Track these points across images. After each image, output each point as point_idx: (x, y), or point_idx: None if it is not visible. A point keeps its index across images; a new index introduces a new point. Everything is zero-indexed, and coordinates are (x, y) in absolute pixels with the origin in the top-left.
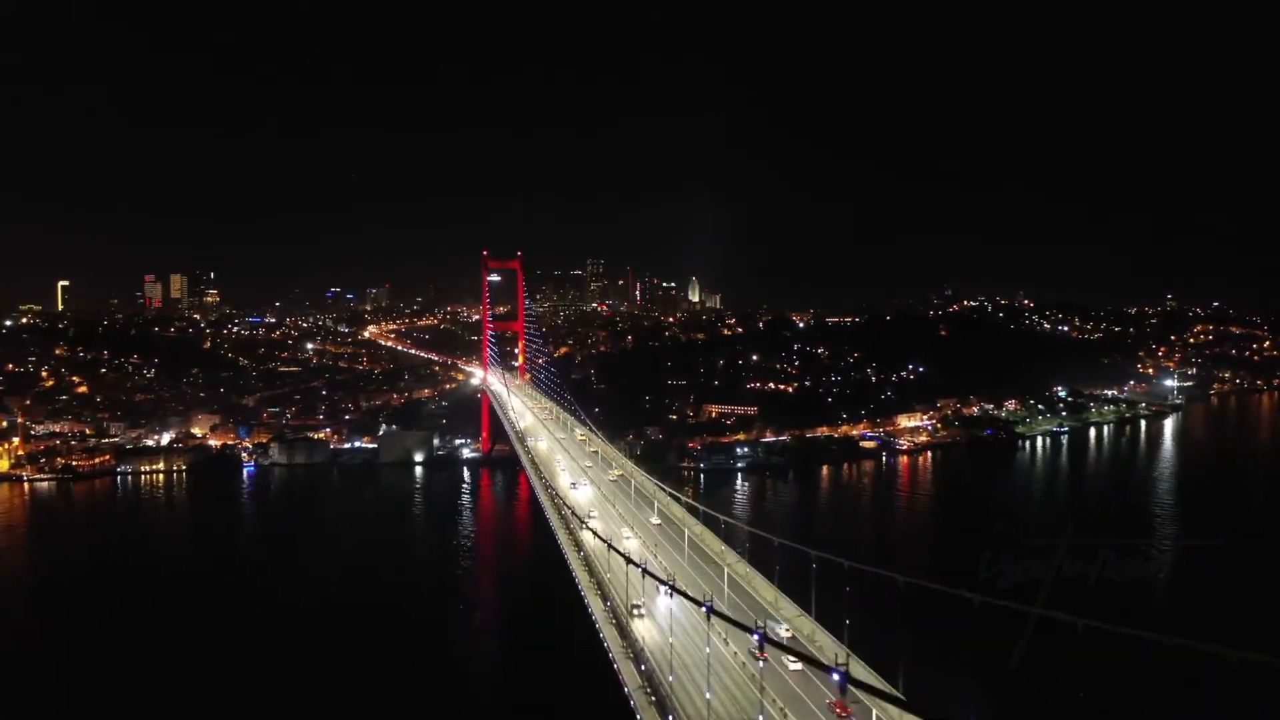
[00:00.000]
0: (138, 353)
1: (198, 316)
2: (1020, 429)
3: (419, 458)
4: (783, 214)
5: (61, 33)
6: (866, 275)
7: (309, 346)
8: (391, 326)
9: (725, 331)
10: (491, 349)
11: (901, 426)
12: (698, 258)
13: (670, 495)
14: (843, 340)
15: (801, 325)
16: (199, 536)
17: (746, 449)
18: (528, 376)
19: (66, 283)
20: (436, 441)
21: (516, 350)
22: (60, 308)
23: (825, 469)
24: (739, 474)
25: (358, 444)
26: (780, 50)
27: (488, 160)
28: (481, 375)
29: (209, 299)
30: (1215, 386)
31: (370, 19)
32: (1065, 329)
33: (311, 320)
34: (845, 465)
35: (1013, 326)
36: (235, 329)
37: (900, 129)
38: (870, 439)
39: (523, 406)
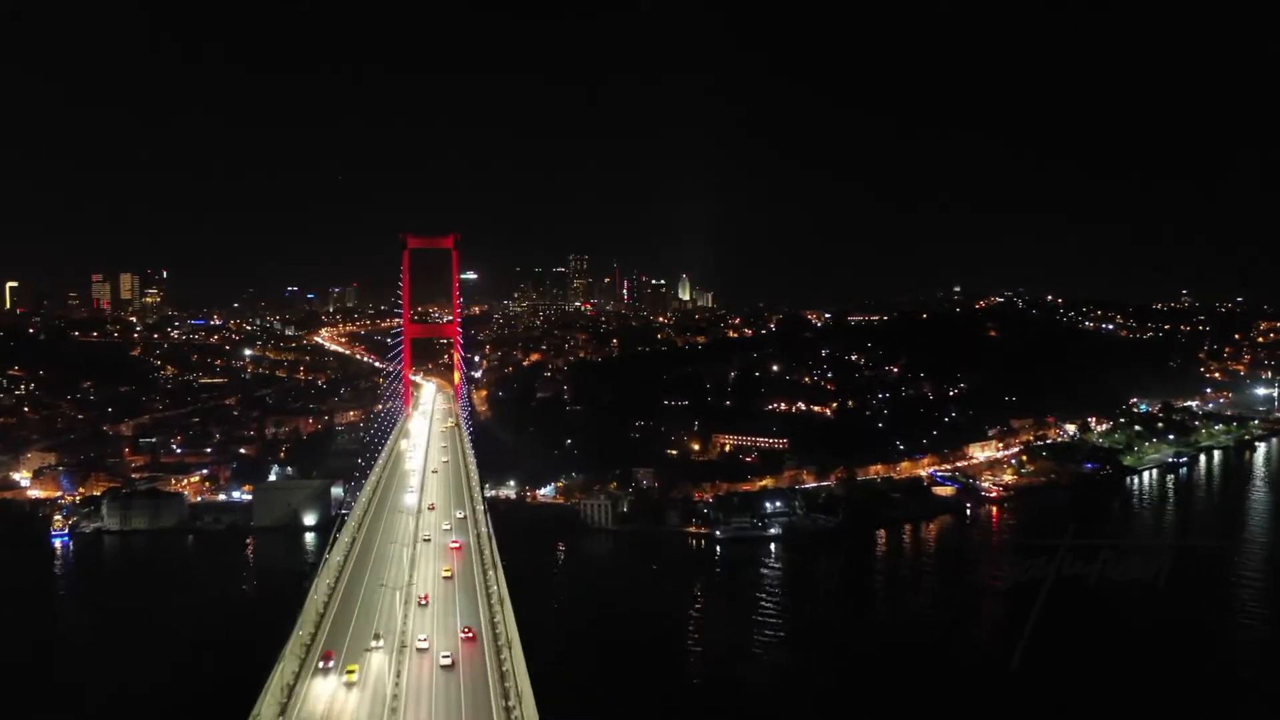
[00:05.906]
0: (39, 362)
1: (134, 319)
2: (1128, 460)
3: (310, 520)
4: (778, 212)
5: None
6: (864, 272)
7: (246, 353)
8: (349, 329)
9: (730, 334)
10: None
11: (976, 460)
12: (687, 254)
13: None
14: (875, 344)
15: (819, 326)
16: None
17: (779, 502)
18: (477, 396)
19: (15, 284)
20: (340, 492)
21: (477, 359)
22: (7, 308)
23: (891, 533)
24: (772, 545)
25: (234, 495)
26: (771, 71)
27: (473, 157)
28: (429, 388)
29: (149, 299)
30: None
31: (369, 18)
32: (1109, 328)
33: (256, 323)
34: (913, 525)
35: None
36: (174, 332)
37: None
38: (944, 482)
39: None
